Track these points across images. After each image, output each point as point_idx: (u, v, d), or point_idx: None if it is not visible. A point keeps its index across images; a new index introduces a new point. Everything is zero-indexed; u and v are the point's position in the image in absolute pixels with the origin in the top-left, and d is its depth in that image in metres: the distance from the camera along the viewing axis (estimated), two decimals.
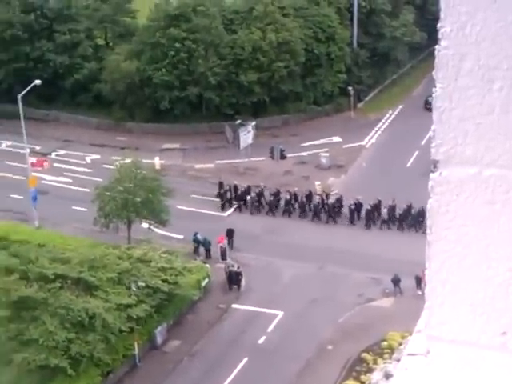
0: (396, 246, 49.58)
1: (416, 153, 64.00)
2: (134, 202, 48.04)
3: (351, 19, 74.75)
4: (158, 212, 49.04)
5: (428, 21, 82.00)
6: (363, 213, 53.80)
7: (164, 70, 66.68)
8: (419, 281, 45.18)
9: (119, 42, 72.93)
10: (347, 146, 65.69)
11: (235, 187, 56.88)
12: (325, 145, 65.64)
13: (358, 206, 53.77)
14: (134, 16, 74.93)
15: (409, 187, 56.04)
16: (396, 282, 45.68)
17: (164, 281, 41.88)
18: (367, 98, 76.42)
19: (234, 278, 46.94)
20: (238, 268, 47.21)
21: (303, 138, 66.46)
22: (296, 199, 55.40)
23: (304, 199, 55.03)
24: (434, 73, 2.16)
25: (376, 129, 69.85)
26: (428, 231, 2.29)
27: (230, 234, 50.51)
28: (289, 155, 62.91)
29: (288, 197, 55.38)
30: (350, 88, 71.67)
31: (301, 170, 61.87)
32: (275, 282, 47.23)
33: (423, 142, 65.96)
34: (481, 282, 2.27)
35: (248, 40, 68.21)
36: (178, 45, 66.38)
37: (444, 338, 2.37)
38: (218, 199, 56.53)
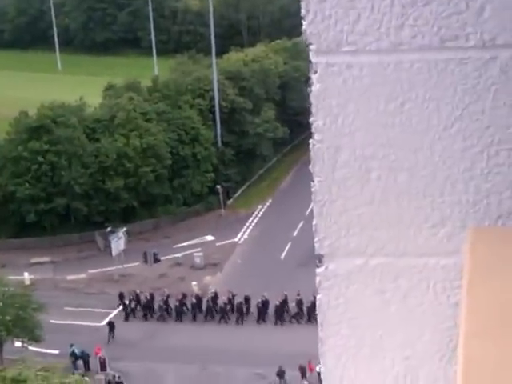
0: (272, 338, 49.36)
1: (289, 244, 64.77)
2: (3, 320, 46.40)
3: (214, 119, 75.98)
4: (30, 328, 47.61)
5: (289, 116, 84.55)
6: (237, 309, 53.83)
7: (27, 184, 65.60)
8: (304, 371, 45.00)
9: None
10: (220, 243, 65.79)
11: (137, 295, 55.77)
12: (198, 244, 65.56)
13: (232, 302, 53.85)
14: None
15: (285, 279, 56.49)
16: (281, 374, 45.37)
17: None
18: (236, 195, 77.14)
19: None
20: (119, 378, 45.86)
21: (176, 240, 66.23)
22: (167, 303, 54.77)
23: (178, 302, 54.52)
24: (310, 167, 2.08)
25: (247, 224, 70.35)
26: (319, 327, 2.19)
27: (111, 325, 50.33)
28: (163, 258, 62.41)
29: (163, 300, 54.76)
30: (218, 186, 72.24)
31: (176, 271, 61.42)
32: None
33: (295, 234, 66.96)
34: (379, 374, 2.20)
35: (112, 147, 68.10)
36: (39, 158, 65.61)
37: None
38: (114, 310, 55.39)
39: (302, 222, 68.83)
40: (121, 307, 55.83)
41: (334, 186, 2.08)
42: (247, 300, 53.63)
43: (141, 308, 55.38)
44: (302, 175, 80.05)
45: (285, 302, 52.82)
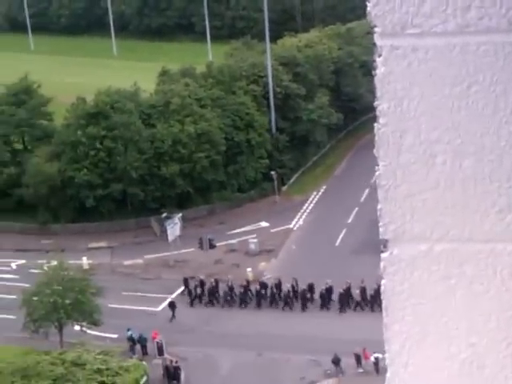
0: (332, 326, 49.43)
1: (344, 231, 64.63)
2: (63, 304, 47.11)
3: (268, 105, 75.99)
4: (89, 312, 48.22)
5: (343, 102, 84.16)
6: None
7: (85, 169, 66.37)
8: (359, 358, 45.04)
9: (37, 144, 72.48)
10: (275, 230, 65.87)
11: (201, 282, 55.76)
12: (252, 231, 65.73)
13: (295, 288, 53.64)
14: (51, 118, 74.79)
15: (339, 266, 56.43)
16: (336, 361, 45.35)
17: (101, 383, 40.71)
18: (291, 181, 77.14)
19: (172, 373, 45.91)
20: (176, 362, 46.28)
21: (231, 226, 66.48)
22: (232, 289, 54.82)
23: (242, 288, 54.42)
24: (374, 151, 2.10)
25: (302, 210, 70.32)
26: (384, 313, 2.19)
27: (172, 305, 50.76)
28: (218, 244, 62.68)
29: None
30: (272, 172, 72.28)
31: (231, 257, 61.67)
32: (215, 374, 46.39)
33: (350, 220, 66.80)
34: (443, 361, 2.18)
35: (167, 133, 68.56)
36: (97, 143, 66.33)
37: None
38: (171, 295, 55.63)
39: (356, 209, 68.68)
40: (182, 292, 55.80)
41: (399, 170, 2.08)
42: (311, 287, 53.32)
43: (204, 294, 55.26)
44: (356, 161, 79.80)
45: (349, 289, 52.45)
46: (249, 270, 57.90)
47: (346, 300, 52.59)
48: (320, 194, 74.05)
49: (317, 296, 53.25)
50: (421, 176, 2.08)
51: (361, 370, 45.33)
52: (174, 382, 45.97)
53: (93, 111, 67.64)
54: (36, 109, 73.98)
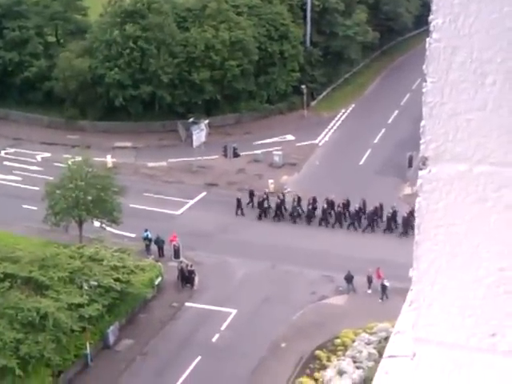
0: (348, 243, 49.84)
1: (369, 151, 64.48)
2: (85, 200, 47.56)
3: (304, 18, 74.95)
4: (109, 210, 48.63)
5: (380, 20, 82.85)
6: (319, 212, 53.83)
7: (117, 68, 66.16)
8: (370, 280, 45.43)
9: (70, 39, 72.29)
10: (300, 144, 65.79)
11: (251, 192, 55.48)
12: (278, 143, 65.67)
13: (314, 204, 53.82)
14: (86, 13, 74.40)
15: (362, 185, 56.48)
16: (349, 279, 45.77)
17: (116, 280, 41.51)
18: (320, 97, 76.62)
19: (186, 277, 46.66)
20: (191, 266, 46.96)
21: (256, 137, 66.43)
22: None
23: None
24: (424, 66, 2.05)
25: (329, 127, 70.05)
26: (416, 231, 2.19)
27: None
28: (242, 153, 62.79)
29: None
30: (303, 86, 71.76)
31: (254, 168, 61.83)
32: (228, 281, 47.06)
33: (376, 141, 66.57)
34: (471, 283, 2.20)
35: (201, 38, 67.99)
36: (131, 43, 65.90)
37: (432, 340, 2.27)
38: (191, 200, 56.13)
39: (383, 130, 68.37)
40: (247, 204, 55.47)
41: (447, 87, 2.05)
42: (332, 204, 53.33)
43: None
44: (388, 82, 79.10)
45: (381, 208, 52.42)
46: (271, 181, 58.06)
47: (372, 220, 52.70)
48: (348, 112, 73.63)
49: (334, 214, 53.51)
50: (468, 95, 2.04)
51: (369, 291, 45.77)
52: (188, 285, 46.69)
53: (130, 9, 67.03)
54: (71, 2, 73.50)
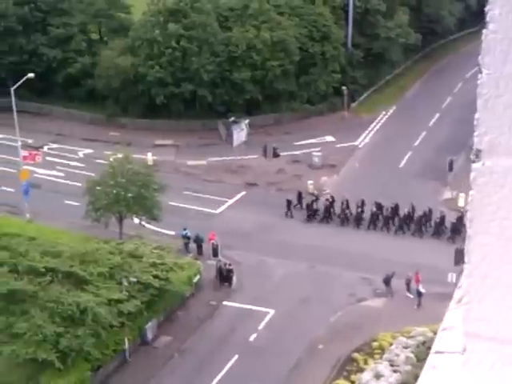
0: (388, 247, 49.63)
1: (409, 154, 64.18)
2: (125, 197, 47.85)
3: (346, 19, 74.87)
4: (149, 207, 48.80)
5: (423, 22, 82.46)
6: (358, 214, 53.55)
7: (158, 67, 66.55)
8: (409, 283, 45.14)
9: (113, 37, 72.82)
10: (340, 145, 65.68)
11: (317, 197, 55.09)
12: (318, 144, 65.61)
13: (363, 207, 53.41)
14: (129, 11, 74.92)
15: (401, 188, 56.22)
16: (387, 282, 45.55)
17: (155, 276, 41.70)
18: (361, 98, 76.44)
19: (225, 275, 46.78)
20: (230, 265, 47.06)
21: (296, 137, 66.44)
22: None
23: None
24: (479, 58, 2.03)
25: (369, 129, 69.87)
26: (468, 224, 2.18)
27: None
28: (282, 154, 62.84)
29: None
30: (343, 88, 71.66)
31: (293, 168, 61.82)
32: (266, 280, 47.07)
33: (416, 143, 66.22)
34: None
35: (242, 38, 68.16)
36: (173, 42, 66.26)
37: (483, 335, 2.25)
38: (230, 200, 56.29)
39: (424, 133, 68.01)
40: (295, 206, 55.11)
41: (503, 80, 2.01)
42: (381, 207, 52.75)
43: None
44: (429, 85, 78.65)
45: (430, 213, 51.75)
46: (310, 182, 58.02)
47: (420, 225, 52.07)
48: (389, 114, 73.37)
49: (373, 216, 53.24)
50: None
51: (408, 295, 45.53)
52: (226, 284, 46.80)
53: (173, 8, 67.40)
54: (115, 0, 74.06)
